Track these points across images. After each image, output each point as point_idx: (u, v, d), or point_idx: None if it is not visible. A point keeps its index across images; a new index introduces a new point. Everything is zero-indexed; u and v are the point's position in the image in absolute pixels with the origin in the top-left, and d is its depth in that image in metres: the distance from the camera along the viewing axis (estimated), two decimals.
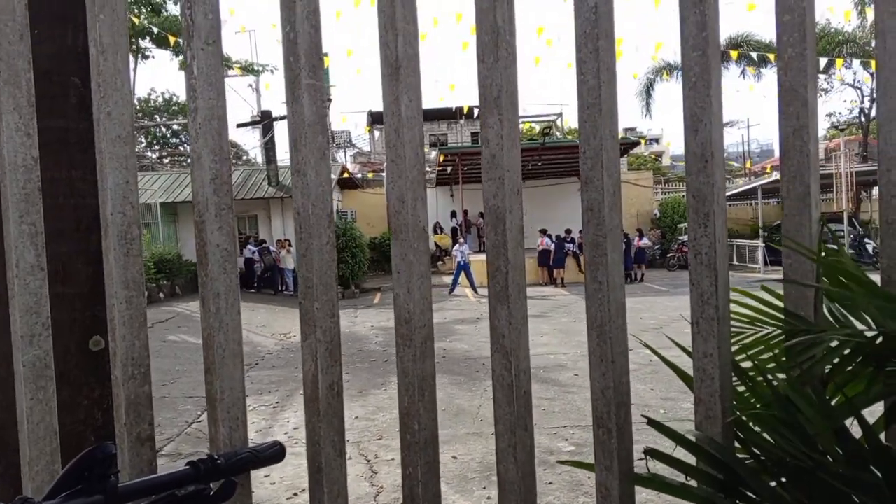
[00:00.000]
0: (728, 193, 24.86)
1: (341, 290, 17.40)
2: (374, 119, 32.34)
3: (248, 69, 21.88)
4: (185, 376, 8.58)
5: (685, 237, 22.46)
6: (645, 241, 20.25)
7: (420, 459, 1.60)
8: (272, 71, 22.60)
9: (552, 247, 19.19)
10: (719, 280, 1.55)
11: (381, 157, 28.88)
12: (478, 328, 11.91)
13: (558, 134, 29.89)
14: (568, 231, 20.91)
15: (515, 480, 1.60)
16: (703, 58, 1.52)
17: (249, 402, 7.02)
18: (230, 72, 23.14)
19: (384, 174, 25.00)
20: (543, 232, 19.67)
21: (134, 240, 1.53)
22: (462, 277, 17.79)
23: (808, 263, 1.56)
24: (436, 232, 23.83)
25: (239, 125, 25.36)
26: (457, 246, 18.24)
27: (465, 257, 17.87)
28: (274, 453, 1.36)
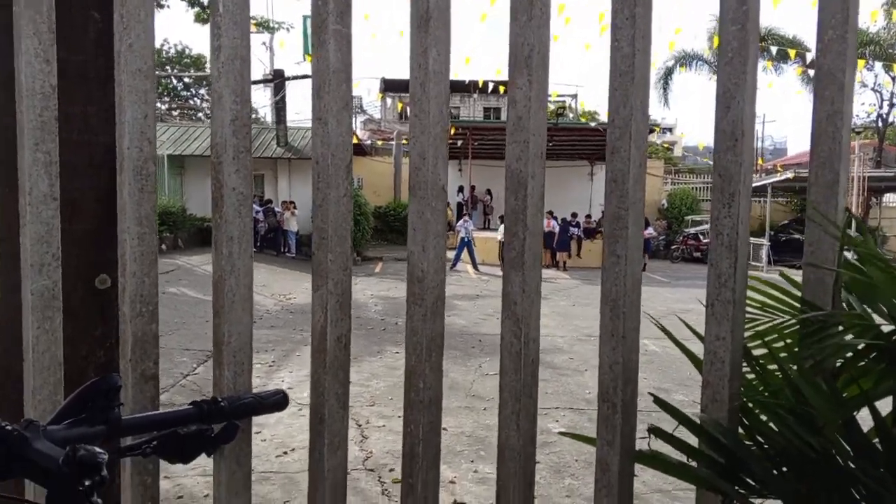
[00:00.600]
0: None
1: None
2: (387, 86, 32.03)
3: (263, 25, 21.60)
4: (183, 328, 8.60)
5: (691, 230, 22.30)
6: (650, 231, 20.17)
7: (423, 418, 1.60)
8: (288, 29, 22.31)
9: (557, 229, 19.14)
10: (739, 262, 1.53)
11: (392, 126, 28.70)
12: (476, 305, 11.93)
13: (571, 115, 29.62)
14: (574, 215, 20.83)
15: (517, 447, 1.59)
16: (741, 32, 1.48)
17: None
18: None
19: (393, 143, 24.84)
20: (550, 214, 19.60)
21: (149, 176, 1.51)
22: (464, 254, 17.77)
23: (829, 250, 1.54)
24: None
25: (254, 82, 25.12)
26: (461, 221, 18.17)
27: (469, 233, 17.83)
28: (277, 401, 1.35)
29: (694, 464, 1.56)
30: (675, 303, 11.09)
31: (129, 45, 1.51)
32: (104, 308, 1.65)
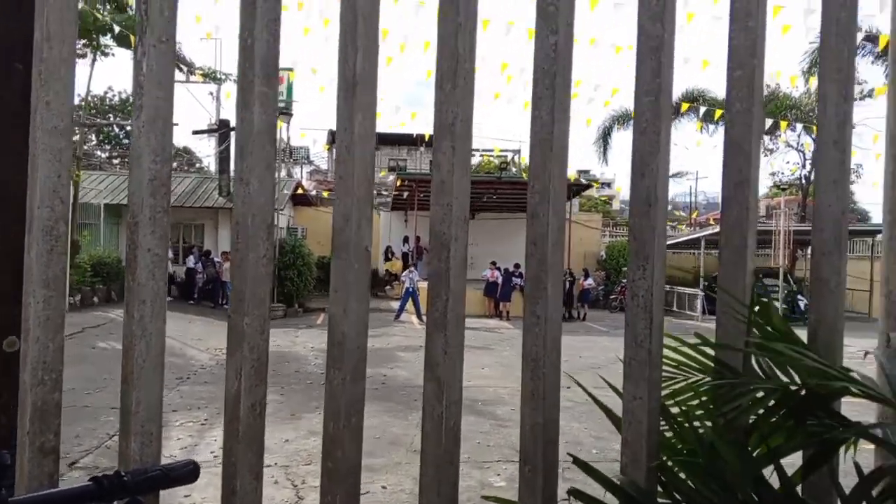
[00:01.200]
0: (673, 242, 25.64)
1: (284, 307, 17.06)
2: (335, 138, 32.12)
3: (209, 76, 21.55)
4: (112, 385, 8.19)
5: None
6: (589, 282, 20.59)
7: (340, 489, 1.55)
8: (235, 80, 22.30)
9: (500, 280, 19.31)
10: (654, 323, 1.57)
11: None
12: (420, 356, 11.65)
13: (514, 170, 30.36)
14: (517, 265, 21.07)
15: None
16: (654, 104, 1.56)
17: (178, 418, 6.74)
18: (192, 77, 22.77)
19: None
20: (493, 264, 19.80)
21: (59, 237, 1.45)
22: (409, 304, 17.69)
23: (740, 314, 1.60)
24: (387, 257, 23.72)
25: (195, 132, 24.86)
26: (406, 272, 18.16)
27: (414, 284, 17.80)
28: (186, 473, 1.29)
29: None
30: (613, 351, 11.21)
31: (47, 103, 1.47)
32: (12, 372, 1.56)
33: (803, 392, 1.52)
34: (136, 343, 1.48)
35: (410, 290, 17.74)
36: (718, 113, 20.98)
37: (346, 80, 1.54)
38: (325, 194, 24.87)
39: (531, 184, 1.59)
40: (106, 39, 17.04)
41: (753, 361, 1.64)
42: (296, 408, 7.36)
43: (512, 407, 7.87)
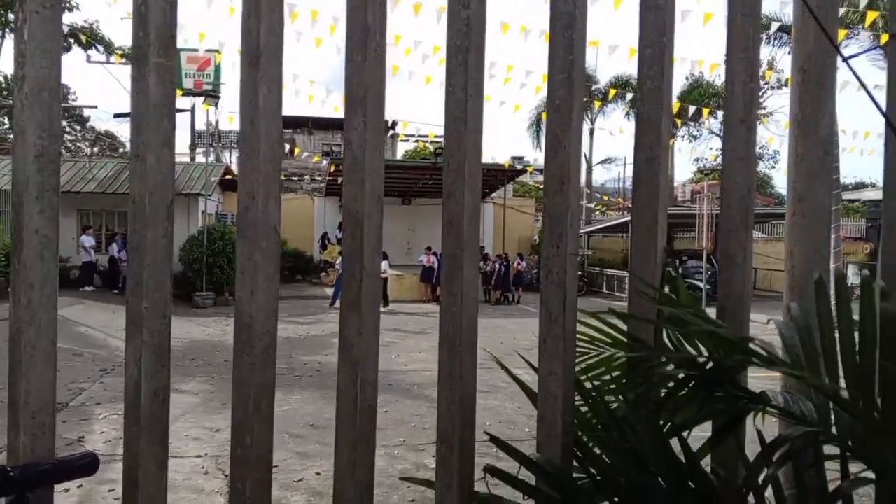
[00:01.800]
0: (603, 226, 26.28)
1: (214, 296, 16.60)
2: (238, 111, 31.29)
3: (129, 56, 20.52)
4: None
5: None
6: (523, 265, 20.90)
7: (251, 475, 1.50)
8: None
9: (436, 264, 19.35)
10: (568, 300, 1.58)
11: None
12: None
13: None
14: None
15: (352, 499, 1.53)
16: (567, 80, 1.55)
17: (101, 411, 6.47)
18: (111, 58, 21.67)
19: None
20: (429, 249, 19.82)
21: None
22: None
23: (651, 291, 1.62)
24: (324, 245, 23.38)
25: (117, 115, 23.72)
26: (340, 259, 17.95)
27: None
28: (83, 466, 1.22)
29: (532, 502, 1.57)
30: None
31: None
32: None
33: (710, 364, 1.55)
34: (24, 330, 1.37)
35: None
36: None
37: (250, 52, 1.47)
38: None
39: (446, 162, 1.57)
40: (13, 15, 16.01)
41: (665, 337, 1.67)
42: (227, 397, 7.17)
43: None
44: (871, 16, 11.40)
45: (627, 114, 27.98)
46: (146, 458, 1.45)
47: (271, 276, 1.50)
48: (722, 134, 1.69)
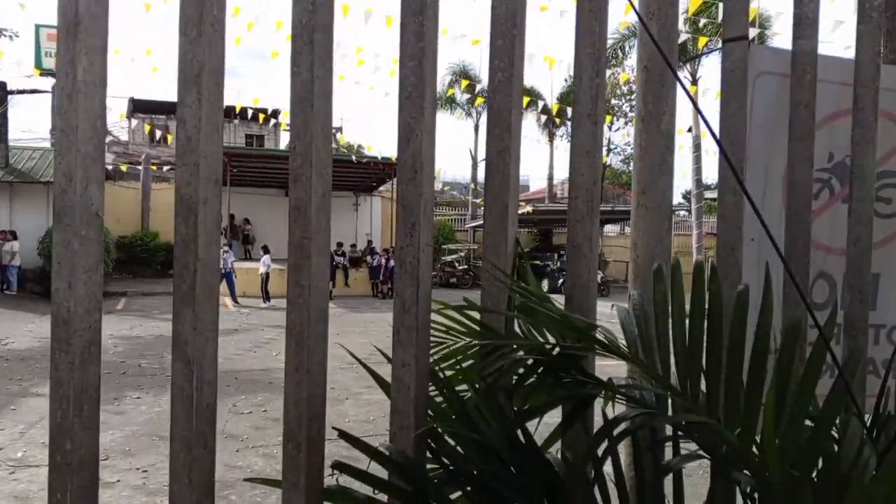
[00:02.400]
0: (480, 223, 26.87)
1: None
2: (137, 107, 29.44)
3: None
4: None
5: (448, 257, 23.65)
6: None
7: (71, 484, 1.36)
8: (11, 37, 19.44)
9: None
10: (421, 290, 1.55)
11: (140, 149, 26.35)
12: (233, 340, 11.30)
13: (334, 147, 29.93)
14: (340, 244, 20.91)
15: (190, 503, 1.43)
16: (418, 68, 1.52)
17: None
18: None
19: (141, 167, 22.80)
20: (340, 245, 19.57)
21: None
22: (223, 286, 16.81)
23: (502, 280, 1.63)
24: None
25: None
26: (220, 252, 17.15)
27: (228, 265, 16.93)
28: None
29: (384, 496, 1.54)
30: None
31: None
32: None
33: (557, 351, 1.59)
34: None
35: (224, 271, 16.85)
36: (526, 100, 22.20)
37: (67, 19, 1.32)
38: (124, 168, 22.70)
39: (292, 145, 1.49)
40: None
41: (517, 326, 1.69)
42: None
43: (331, 385, 7.72)
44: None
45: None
46: None
47: (93, 267, 1.37)
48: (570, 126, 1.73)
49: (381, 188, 25.15)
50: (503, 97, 1.63)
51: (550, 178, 34.85)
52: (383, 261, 20.17)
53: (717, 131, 1.83)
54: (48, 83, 21.16)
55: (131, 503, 4.42)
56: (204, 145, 1.41)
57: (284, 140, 35.99)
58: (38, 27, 20.34)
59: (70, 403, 1.35)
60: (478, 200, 31.32)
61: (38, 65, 20.16)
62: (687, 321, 1.47)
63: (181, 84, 1.42)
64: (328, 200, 1.53)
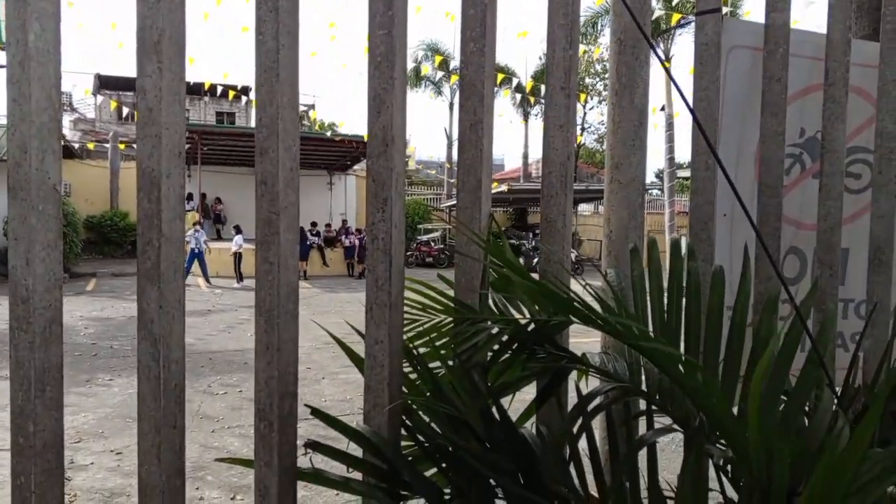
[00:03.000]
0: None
1: None
2: (103, 83, 28.70)
3: None
4: None
5: (423, 237, 23.61)
6: None
7: (35, 466, 1.32)
8: None
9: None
10: (394, 265, 1.53)
11: (108, 127, 25.71)
12: (207, 320, 11.19)
13: (307, 125, 29.52)
14: (314, 224, 20.74)
15: (158, 485, 1.40)
16: (388, 37, 1.48)
17: None
18: None
19: (109, 145, 22.27)
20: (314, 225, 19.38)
21: None
22: (195, 266, 16.57)
23: (476, 255, 1.61)
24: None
25: None
26: (191, 231, 16.89)
27: (201, 244, 16.69)
28: None
29: (359, 475, 1.53)
30: None
31: None
32: None
33: (532, 327, 1.58)
34: None
35: (197, 250, 16.61)
36: (501, 76, 22.09)
37: None
38: (91, 146, 22.15)
39: (258, 117, 1.44)
40: None
41: (491, 302, 1.68)
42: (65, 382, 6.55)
43: (308, 365, 7.72)
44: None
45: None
46: None
47: (52, 243, 1.32)
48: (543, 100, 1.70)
49: (356, 167, 24.92)
50: (475, 69, 1.60)
51: (525, 156, 34.87)
52: (357, 240, 20.06)
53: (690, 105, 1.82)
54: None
55: (105, 485, 4.36)
56: (165, 116, 1.35)
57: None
58: None
59: (31, 384, 1.31)
60: (453, 180, 31.25)
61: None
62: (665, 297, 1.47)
63: (140, 52, 1.36)
64: (296, 175, 1.49)
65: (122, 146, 22.37)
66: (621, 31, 1.75)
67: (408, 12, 1.54)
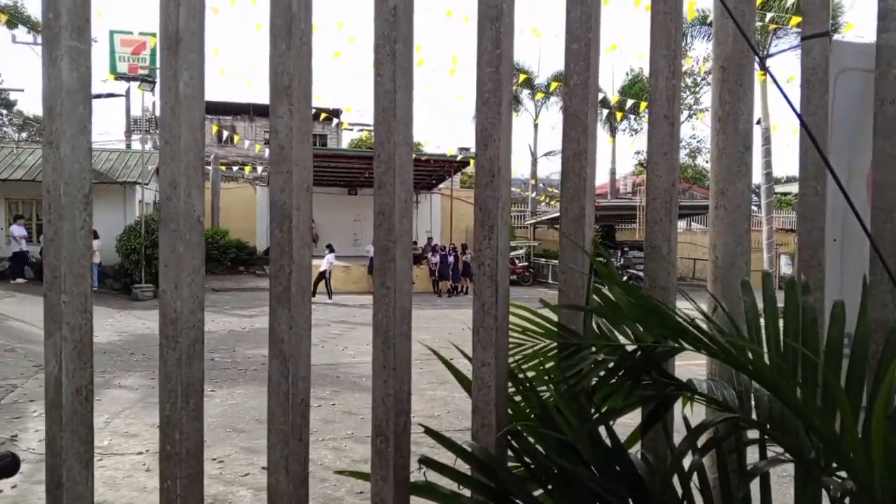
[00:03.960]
0: (548, 217, 26.68)
1: (154, 288, 16.12)
2: (208, 109, 30.52)
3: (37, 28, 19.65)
4: None
5: (511, 254, 23.63)
6: (467, 257, 21.06)
7: (181, 471, 1.46)
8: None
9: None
10: (500, 291, 1.59)
11: (209, 150, 27.34)
12: (314, 335, 11.61)
13: None
14: None
15: (287, 493, 1.51)
16: (496, 74, 1.56)
17: (35, 408, 6.25)
18: (38, 39, 20.67)
19: (210, 167, 23.64)
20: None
21: None
22: None
23: (580, 281, 1.65)
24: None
25: None
26: None
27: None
28: (3, 465, 1.17)
29: (467, 492, 1.59)
30: None
31: None
32: None
33: (639, 353, 1.60)
34: None
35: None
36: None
37: (168, 37, 1.42)
38: None
39: (376, 153, 1.55)
40: None
41: (594, 325, 1.71)
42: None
43: None
44: (795, 20, 11.93)
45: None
46: (70, 458, 1.40)
47: (196, 269, 1.47)
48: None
49: (441, 185, 25.29)
50: (579, 100, 1.65)
51: (613, 173, 34.29)
52: (448, 257, 20.25)
53: (797, 128, 1.80)
54: (122, 87, 22.22)
55: (209, 491, 4.63)
56: (296, 153, 1.48)
57: (346, 139, 36.66)
58: (112, 33, 21.29)
59: (178, 397, 1.45)
60: (537, 196, 31.13)
61: (112, 70, 21.15)
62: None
63: (273, 95, 1.50)
64: (410, 205, 1.59)
65: (222, 168, 23.70)
66: (724, 58, 1.75)
67: (513, 48, 1.61)
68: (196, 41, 1.43)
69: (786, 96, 1.43)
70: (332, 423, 6.34)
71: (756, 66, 1.75)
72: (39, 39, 19.95)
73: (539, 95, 27.90)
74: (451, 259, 19.97)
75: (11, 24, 19.23)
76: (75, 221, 1.40)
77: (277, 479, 1.52)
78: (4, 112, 37.76)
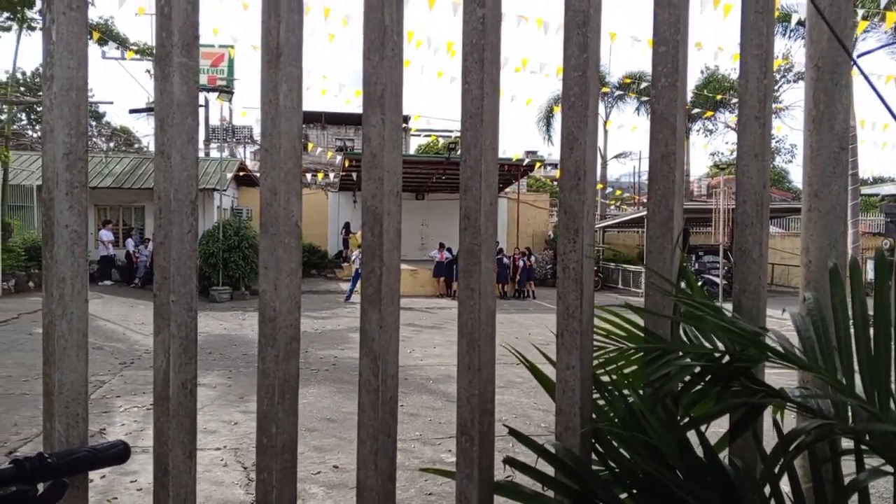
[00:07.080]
0: (618, 221, 26.19)
1: (230, 291, 16.75)
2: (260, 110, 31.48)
3: (145, 52, 20.77)
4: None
5: None
6: (533, 260, 20.91)
7: (276, 464, 1.54)
8: None
9: (447, 260, 19.50)
10: (584, 294, 1.60)
11: None
12: None
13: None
14: None
15: (375, 488, 1.56)
16: (582, 78, 1.57)
17: (121, 403, 6.58)
18: (125, 54, 21.91)
19: None
20: (441, 246, 19.95)
21: None
22: (359, 285, 17.60)
23: (666, 286, 1.64)
24: (346, 237, 23.55)
25: (132, 111, 23.93)
26: (356, 252, 18.00)
27: (357, 264, 17.72)
28: (116, 453, 1.27)
29: (550, 493, 1.60)
30: None
31: None
32: None
33: (727, 359, 1.57)
34: (57, 323, 1.42)
35: (361, 272, 17.63)
36: None
37: (270, 51, 1.50)
38: None
39: (463, 158, 1.59)
40: (32, 13, 16.22)
41: (681, 331, 1.69)
42: (243, 391, 7.27)
43: None
44: (892, 17, 11.31)
45: (637, 109, 27.87)
46: (175, 447, 1.50)
47: (293, 271, 1.54)
48: (737, 128, 1.69)
49: (507, 189, 25.23)
50: (667, 102, 1.64)
51: (687, 174, 33.35)
52: (517, 262, 20.18)
53: (888, 125, 1.72)
54: (201, 98, 23.21)
55: None
56: (387, 161, 1.54)
57: (414, 144, 37.10)
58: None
59: (275, 392, 1.53)
60: (606, 199, 30.61)
61: None
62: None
63: (366, 105, 1.56)
64: (495, 209, 1.62)
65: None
66: (818, 56, 1.70)
67: (600, 53, 1.62)
68: (295, 55, 1.51)
69: (879, 95, 1.38)
70: (401, 425, 6.35)
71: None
72: (127, 55, 21.15)
73: (605, 89, 27.39)
74: (506, 261, 19.88)
75: (102, 42, 20.44)
76: (183, 226, 1.49)
77: (366, 474, 1.57)
78: (94, 123, 40.15)
